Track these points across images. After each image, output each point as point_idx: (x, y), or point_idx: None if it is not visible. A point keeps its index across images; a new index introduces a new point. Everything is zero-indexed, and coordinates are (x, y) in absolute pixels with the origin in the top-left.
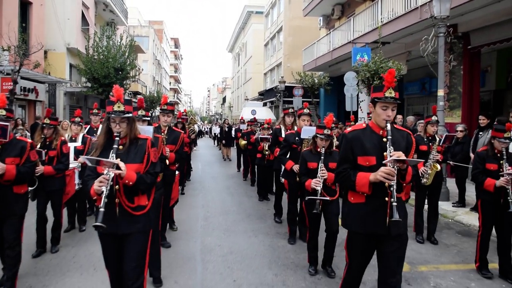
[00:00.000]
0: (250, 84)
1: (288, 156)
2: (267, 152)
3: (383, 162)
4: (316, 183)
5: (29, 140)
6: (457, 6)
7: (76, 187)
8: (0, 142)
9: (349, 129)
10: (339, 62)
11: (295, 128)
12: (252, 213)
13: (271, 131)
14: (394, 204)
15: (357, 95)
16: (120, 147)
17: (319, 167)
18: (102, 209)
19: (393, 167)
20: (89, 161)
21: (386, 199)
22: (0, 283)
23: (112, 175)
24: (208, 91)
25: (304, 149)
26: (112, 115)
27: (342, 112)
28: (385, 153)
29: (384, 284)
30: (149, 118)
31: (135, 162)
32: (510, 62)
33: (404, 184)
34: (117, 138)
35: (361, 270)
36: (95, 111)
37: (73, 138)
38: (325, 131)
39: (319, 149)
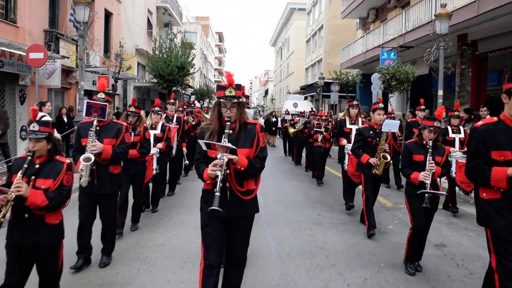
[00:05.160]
0: (292, 78)
1: (361, 150)
2: (320, 143)
3: None
4: (425, 177)
5: (125, 124)
6: (464, 21)
7: (154, 172)
8: (99, 124)
9: (480, 122)
10: (373, 62)
11: (359, 120)
12: (309, 197)
13: (327, 122)
14: None
15: (387, 92)
16: (230, 131)
17: (427, 160)
18: (218, 194)
19: None
20: (205, 145)
21: None
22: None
23: (226, 159)
24: (250, 83)
25: (383, 144)
26: (223, 100)
27: None
28: None
29: None
30: (249, 105)
31: (245, 147)
32: None
33: None
34: (228, 123)
35: None
36: (171, 101)
37: (153, 126)
38: (435, 123)
39: (424, 142)
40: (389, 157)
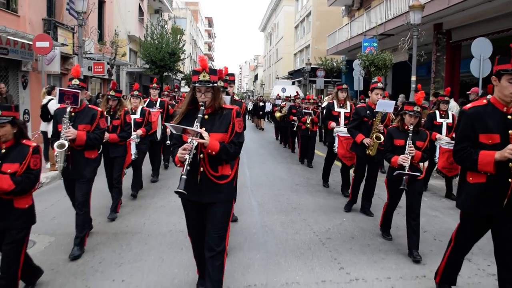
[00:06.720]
0: (281, 63)
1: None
2: (309, 125)
3: None
4: (404, 160)
5: (100, 109)
6: (436, 12)
7: (133, 157)
8: (74, 110)
9: (469, 105)
10: (357, 48)
11: (348, 103)
12: (292, 173)
13: (316, 105)
14: None
15: (367, 77)
16: (206, 116)
17: (407, 144)
18: (184, 176)
19: None
20: (173, 128)
21: (510, 180)
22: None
23: (196, 143)
24: (240, 68)
25: (378, 124)
26: (197, 85)
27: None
28: (510, 131)
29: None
30: (227, 90)
31: (219, 131)
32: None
33: None
34: (202, 108)
35: (466, 250)
36: (154, 85)
37: (133, 111)
38: (415, 108)
39: (406, 127)
40: (382, 138)
